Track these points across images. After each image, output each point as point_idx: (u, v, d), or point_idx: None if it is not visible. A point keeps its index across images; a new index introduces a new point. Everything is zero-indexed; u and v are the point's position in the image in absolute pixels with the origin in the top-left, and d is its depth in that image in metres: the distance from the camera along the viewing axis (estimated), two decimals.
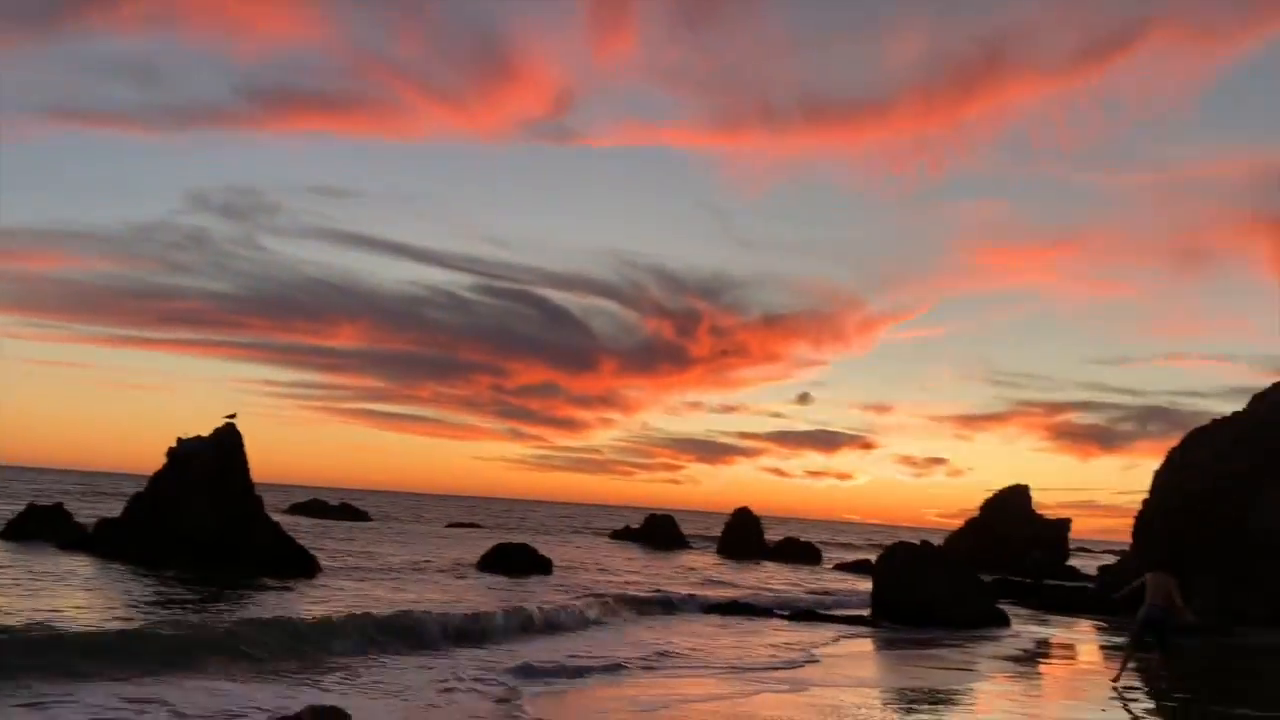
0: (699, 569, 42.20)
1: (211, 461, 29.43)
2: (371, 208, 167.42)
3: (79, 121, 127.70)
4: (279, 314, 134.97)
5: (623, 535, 66.20)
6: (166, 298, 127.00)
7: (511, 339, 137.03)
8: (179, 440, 30.56)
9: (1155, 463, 34.54)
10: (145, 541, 27.84)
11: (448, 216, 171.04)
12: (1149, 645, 16.87)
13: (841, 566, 48.65)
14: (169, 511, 28.79)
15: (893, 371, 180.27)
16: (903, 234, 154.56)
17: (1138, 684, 17.33)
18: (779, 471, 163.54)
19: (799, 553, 54.09)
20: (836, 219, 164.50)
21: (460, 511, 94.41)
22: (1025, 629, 26.32)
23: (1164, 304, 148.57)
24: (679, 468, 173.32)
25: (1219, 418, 32.80)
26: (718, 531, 65.40)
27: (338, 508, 67.55)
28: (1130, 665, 16.72)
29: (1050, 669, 20.12)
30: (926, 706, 13.82)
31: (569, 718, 12.03)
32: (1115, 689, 15.62)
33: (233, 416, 30.71)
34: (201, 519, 28.12)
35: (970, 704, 14.66)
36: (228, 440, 29.93)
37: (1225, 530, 29.45)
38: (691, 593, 29.78)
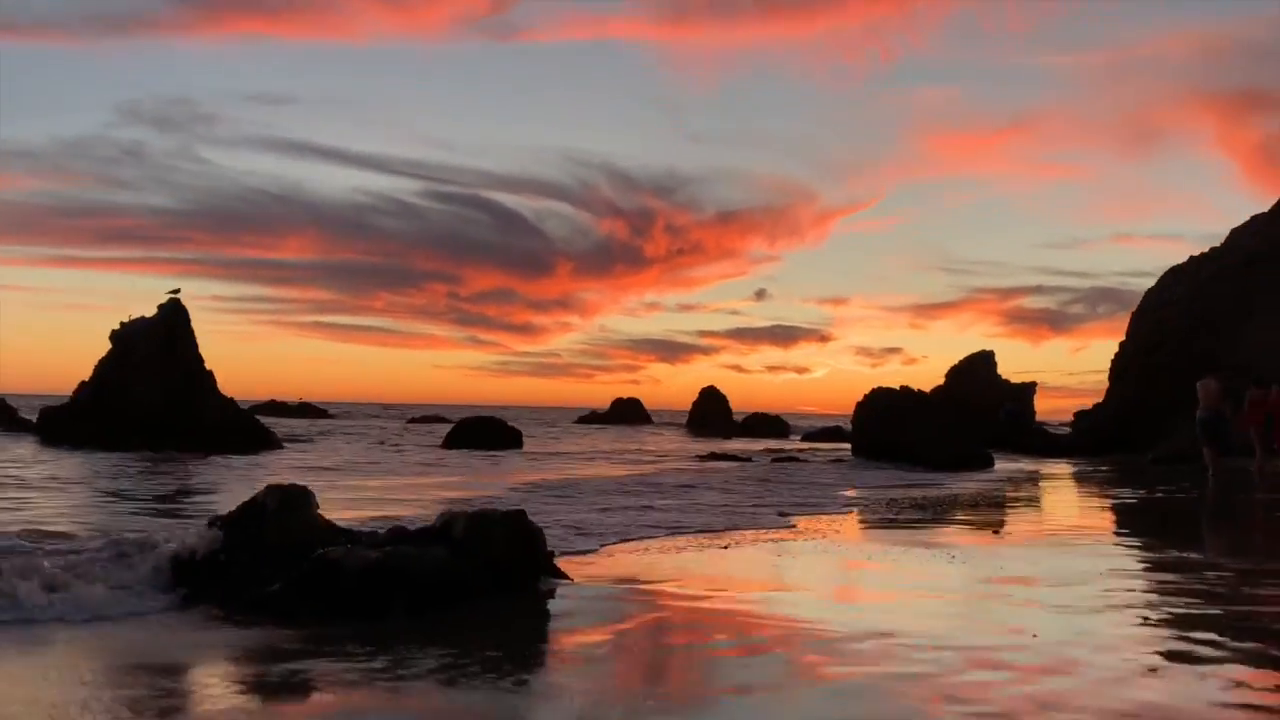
0: (673, 441, 41.69)
1: (156, 338, 27.94)
2: (312, 114, 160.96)
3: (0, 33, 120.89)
4: (223, 228, 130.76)
5: (589, 420, 65.71)
6: (105, 215, 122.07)
7: (464, 245, 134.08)
8: (122, 322, 29.01)
9: (1104, 343, 34.34)
10: (93, 424, 26.46)
11: (391, 120, 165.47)
12: (1211, 444, 17.40)
13: (810, 435, 48.34)
14: (116, 392, 27.37)
15: (847, 264, 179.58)
16: (854, 124, 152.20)
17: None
18: (738, 368, 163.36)
19: (767, 427, 53.80)
20: (788, 110, 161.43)
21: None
22: (1009, 466, 25.91)
23: (1114, 185, 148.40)
24: (639, 368, 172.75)
25: (1196, 254, 32.24)
26: (681, 423, 65.04)
27: (296, 407, 66.20)
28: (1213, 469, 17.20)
29: (1046, 490, 19.57)
30: (934, 513, 13.07)
31: None
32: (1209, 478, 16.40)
33: (176, 292, 29.10)
34: (149, 396, 26.73)
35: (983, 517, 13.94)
36: (172, 316, 28.38)
37: (1205, 366, 28.95)
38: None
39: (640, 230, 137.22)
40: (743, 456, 27.00)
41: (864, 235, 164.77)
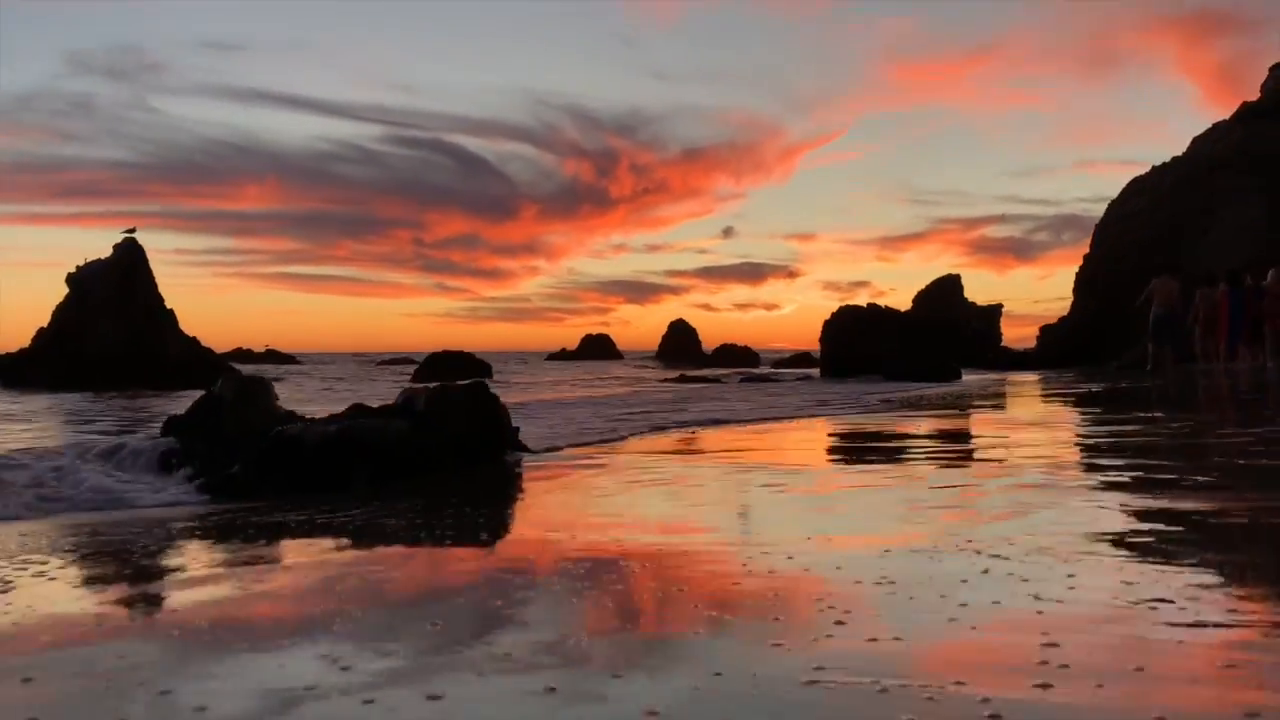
0: (644, 371, 41.69)
1: (113, 279, 27.47)
2: (266, 60, 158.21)
3: None
4: (182, 179, 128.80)
5: (558, 357, 65.67)
6: (59, 169, 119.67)
7: (427, 190, 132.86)
8: (78, 266, 28.47)
9: (1069, 270, 34.40)
10: (54, 367, 26.02)
11: (349, 65, 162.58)
12: (1164, 343, 17.72)
13: (779, 363, 48.54)
14: (76, 335, 26.94)
15: (813, 198, 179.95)
16: (818, 55, 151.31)
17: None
18: (707, 307, 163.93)
19: (737, 357, 53.96)
20: (751, 42, 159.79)
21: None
22: (977, 377, 26.08)
23: (1076, 112, 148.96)
24: (609, 310, 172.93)
25: (1158, 159, 32.31)
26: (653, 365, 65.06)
27: (263, 354, 65.58)
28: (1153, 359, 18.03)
29: (1013, 390, 19.72)
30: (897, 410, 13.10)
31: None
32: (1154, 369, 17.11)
33: (131, 231, 28.56)
34: (110, 337, 26.34)
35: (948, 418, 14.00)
36: (128, 256, 27.86)
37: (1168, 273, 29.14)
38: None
39: (605, 171, 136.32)
40: (713, 379, 27.08)
41: (829, 169, 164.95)
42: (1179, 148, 32.20)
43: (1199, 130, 31.52)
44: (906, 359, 25.31)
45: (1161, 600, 2.31)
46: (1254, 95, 31.35)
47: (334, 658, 2.08)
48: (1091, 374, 25.48)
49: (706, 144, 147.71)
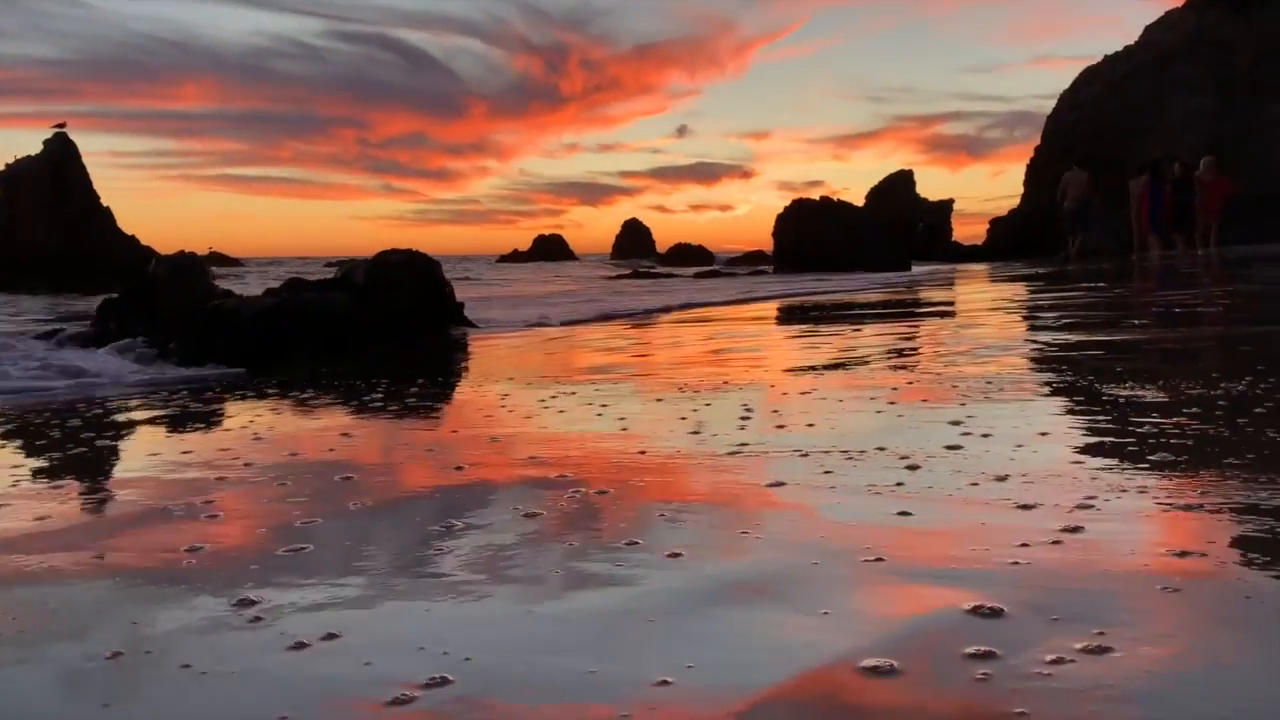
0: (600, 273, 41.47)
1: (44, 176, 26.55)
2: None
3: None
4: (115, 77, 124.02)
5: (510, 259, 65.13)
6: None
7: (370, 87, 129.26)
8: (6, 164, 27.47)
9: (1021, 167, 34.24)
10: None
11: None
12: (1080, 231, 18.00)
13: (734, 260, 48.51)
14: (6, 236, 26.12)
15: (768, 95, 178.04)
16: None
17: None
18: (661, 208, 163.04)
19: (691, 255, 53.89)
20: None
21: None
22: (926, 268, 26.29)
23: (1032, 5, 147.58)
24: (562, 212, 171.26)
25: (1112, 52, 32.18)
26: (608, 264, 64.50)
27: (207, 257, 64.35)
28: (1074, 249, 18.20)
29: (960, 276, 19.91)
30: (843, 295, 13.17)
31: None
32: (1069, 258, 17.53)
33: (61, 126, 27.54)
34: (44, 237, 25.59)
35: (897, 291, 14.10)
36: (59, 152, 26.89)
37: (1117, 168, 29.35)
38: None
39: (555, 66, 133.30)
40: (665, 274, 27.03)
41: (785, 64, 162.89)
42: (1134, 40, 32.05)
43: (1154, 20, 31.36)
44: (858, 251, 25.40)
45: (1084, 390, 2.34)
46: None
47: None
48: (1040, 264, 25.77)
49: (659, 38, 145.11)
